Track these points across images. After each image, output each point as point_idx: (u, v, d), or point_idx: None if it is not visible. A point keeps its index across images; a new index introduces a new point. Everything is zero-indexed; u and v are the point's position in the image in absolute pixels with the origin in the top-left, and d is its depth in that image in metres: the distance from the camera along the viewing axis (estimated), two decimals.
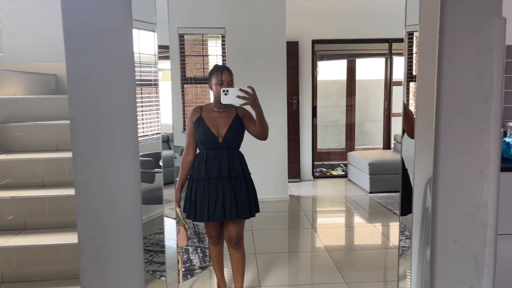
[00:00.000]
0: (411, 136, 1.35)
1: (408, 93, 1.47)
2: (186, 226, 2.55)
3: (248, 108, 2.40)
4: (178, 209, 2.49)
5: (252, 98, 2.30)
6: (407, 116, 1.41)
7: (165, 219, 1.31)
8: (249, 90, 2.30)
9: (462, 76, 1.24)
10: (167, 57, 1.28)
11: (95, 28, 1.14)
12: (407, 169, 1.38)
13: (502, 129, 2.93)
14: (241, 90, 2.28)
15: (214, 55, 5.35)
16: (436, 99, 1.26)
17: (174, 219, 1.46)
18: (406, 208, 1.31)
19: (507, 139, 2.67)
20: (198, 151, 2.57)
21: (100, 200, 1.18)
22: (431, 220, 1.24)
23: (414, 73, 1.47)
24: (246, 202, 2.49)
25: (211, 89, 2.49)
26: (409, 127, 1.38)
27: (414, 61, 1.49)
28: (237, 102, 2.30)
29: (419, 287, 1.36)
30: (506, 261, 2.11)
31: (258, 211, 2.59)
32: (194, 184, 2.50)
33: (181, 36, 5.19)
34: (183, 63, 5.27)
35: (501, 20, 1.19)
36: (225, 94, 2.28)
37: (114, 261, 1.23)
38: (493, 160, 1.23)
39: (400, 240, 1.47)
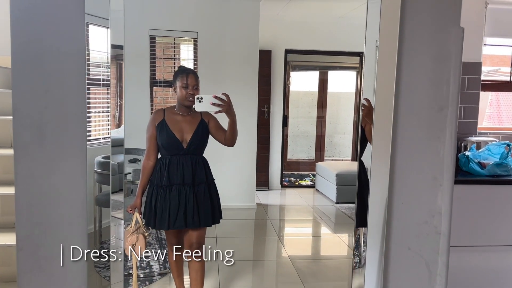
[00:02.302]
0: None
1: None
2: (146, 234, 2.47)
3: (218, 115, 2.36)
4: (138, 216, 2.41)
5: (227, 105, 2.28)
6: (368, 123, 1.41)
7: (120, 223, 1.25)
8: (224, 97, 2.29)
9: (419, 84, 1.25)
10: (120, 58, 1.22)
11: (43, 15, 1.09)
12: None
13: (462, 143, 3.00)
14: (216, 97, 2.24)
15: (186, 59, 5.30)
16: (394, 107, 1.26)
17: (127, 224, 1.40)
18: (362, 219, 1.30)
19: (466, 153, 2.73)
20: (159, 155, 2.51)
21: (43, 195, 1.11)
22: (385, 226, 1.24)
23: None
24: (209, 210, 2.47)
25: (175, 92, 2.45)
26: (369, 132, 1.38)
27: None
28: (212, 110, 2.29)
29: None
30: (460, 272, 2.13)
31: (221, 217, 2.56)
32: (155, 190, 2.45)
33: (152, 38, 5.11)
34: (153, 65, 5.19)
35: (458, 30, 1.21)
36: (199, 101, 2.24)
37: (55, 261, 1.16)
38: (448, 168, 1.24)
39: (357, 254, 1.46)
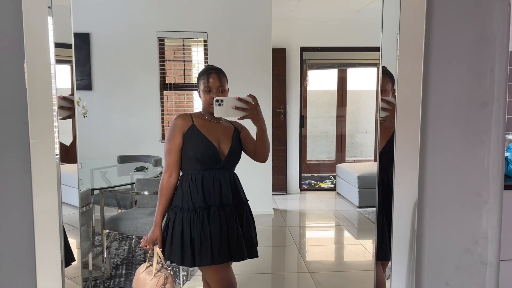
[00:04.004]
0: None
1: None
2: (170, 271, 2.00)
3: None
4: (159, 250, 1.93)
5: (254, 109, 1.84)
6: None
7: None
8: (250, 100, 1.83)
9: (454, 75, 0.99)
10: (68, 61, 0.98)
11: None
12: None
13: None
14: (240, 99, 1.82)
15: (196, 61, 5.11)
16: (422, 106, 1.00)
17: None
18: (384, 250, 1.03)
19: (505, 154, 2.44)
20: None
21: None
22: (415, 256, 0.97)
23: None
24: (253, 237, 2.01)
25: (200, 97, 1.99)
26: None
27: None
28: (234, 115, 1.84)
29: None
30: None
31: (257, 245, 2.10)
32: (185, 215, 1.92)
33: (160, 40, 4.96)
34: (163, 69, 5.03)
35: (503, 3, 0.94)
36: (219, 105, 1.80)
37: None
38: (495, 180, 0.96)
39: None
